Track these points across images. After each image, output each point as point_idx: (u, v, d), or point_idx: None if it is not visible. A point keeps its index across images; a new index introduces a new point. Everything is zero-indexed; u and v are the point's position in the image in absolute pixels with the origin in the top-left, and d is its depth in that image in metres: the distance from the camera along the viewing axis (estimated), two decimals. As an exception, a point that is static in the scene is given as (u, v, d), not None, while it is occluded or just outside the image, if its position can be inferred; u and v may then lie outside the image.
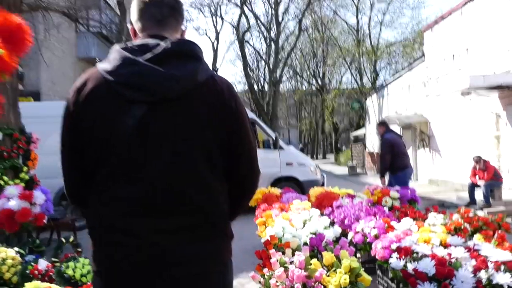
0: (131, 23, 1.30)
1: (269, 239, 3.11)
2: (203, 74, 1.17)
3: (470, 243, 2.85)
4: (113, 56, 1.16)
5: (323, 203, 4.69)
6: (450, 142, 12.07)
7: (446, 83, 11.95)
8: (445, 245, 2.85)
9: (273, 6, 23.00)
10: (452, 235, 3.20)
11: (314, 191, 5.37)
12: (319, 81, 33.67)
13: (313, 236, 3.26)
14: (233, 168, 1.23)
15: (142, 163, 1.11)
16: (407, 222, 3.49)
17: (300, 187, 8.30)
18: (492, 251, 2.61)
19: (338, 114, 35.70)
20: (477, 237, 3.06)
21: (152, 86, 1.11)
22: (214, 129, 1.16)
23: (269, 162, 8.19)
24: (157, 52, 1.13)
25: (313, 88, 35.33)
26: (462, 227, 3.51)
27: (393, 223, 3.56)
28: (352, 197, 5.04)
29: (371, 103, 19.82)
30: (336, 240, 3.31)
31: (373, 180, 16.16)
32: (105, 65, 1.16)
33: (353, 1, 29.23)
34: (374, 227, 3.44)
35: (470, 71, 10.19)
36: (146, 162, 1.11)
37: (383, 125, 6.94)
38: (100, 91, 1.14)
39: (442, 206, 8.56)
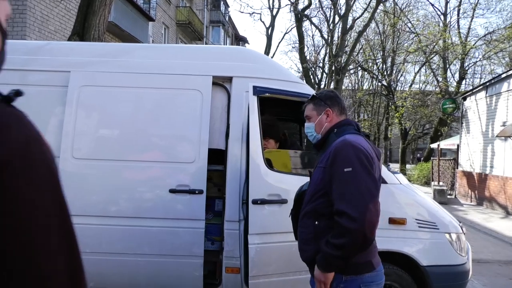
0: None
1: None
2: None
3: None
4: None
5: None
6: None
7: None
8: None
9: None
10: None
11: None
12: (386, 79, 27.96)
13: None
14: None
15: None
16: None
17: (420, 282, 3.38)
18: None
19: (404, 118, 29.87)
20: None
21: None
22: None
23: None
24: None
25: (378, 86, 29.72)
26: None
27: None
28: None
29: (474, 104, 14.15)
30: None
31: (476, 215, 10.66)
32: None
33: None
34: None
35: None
36: None
37: (331, 104, 2.09)
38: None
39: None
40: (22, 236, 0.58)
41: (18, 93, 0.69)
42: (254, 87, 3.25)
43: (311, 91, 3.57)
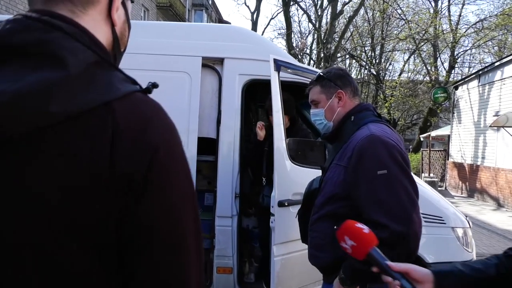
0: None
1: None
2: (73, 99, 0.57)
3: None
4: None
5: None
6: None
7: None
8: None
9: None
10: None
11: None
12: (375, 67, 27.69)
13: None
14: None
15: None
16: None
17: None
18: None
19: (392, 108, 29.74)
20: None
21: None
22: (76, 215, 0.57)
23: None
24: None
25: (367, 75, 29.47)
26: None
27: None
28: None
29: (466, 93, 14.05)
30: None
31: (468, 207, 10.57)
32: None
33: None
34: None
35: None
36: None
37: (342, 84, 1.76)
38: None
39: None
40: (173, 222, 0.62)
41: (155, 85, 0.71)
42: (275, 61, 2.66)
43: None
